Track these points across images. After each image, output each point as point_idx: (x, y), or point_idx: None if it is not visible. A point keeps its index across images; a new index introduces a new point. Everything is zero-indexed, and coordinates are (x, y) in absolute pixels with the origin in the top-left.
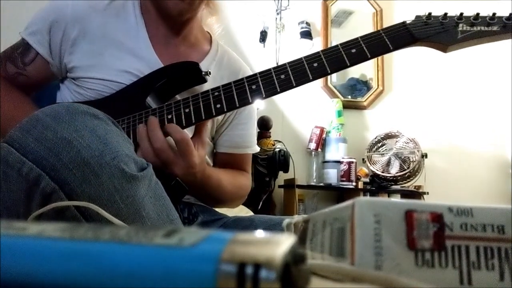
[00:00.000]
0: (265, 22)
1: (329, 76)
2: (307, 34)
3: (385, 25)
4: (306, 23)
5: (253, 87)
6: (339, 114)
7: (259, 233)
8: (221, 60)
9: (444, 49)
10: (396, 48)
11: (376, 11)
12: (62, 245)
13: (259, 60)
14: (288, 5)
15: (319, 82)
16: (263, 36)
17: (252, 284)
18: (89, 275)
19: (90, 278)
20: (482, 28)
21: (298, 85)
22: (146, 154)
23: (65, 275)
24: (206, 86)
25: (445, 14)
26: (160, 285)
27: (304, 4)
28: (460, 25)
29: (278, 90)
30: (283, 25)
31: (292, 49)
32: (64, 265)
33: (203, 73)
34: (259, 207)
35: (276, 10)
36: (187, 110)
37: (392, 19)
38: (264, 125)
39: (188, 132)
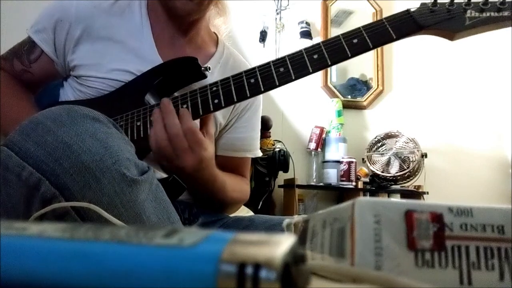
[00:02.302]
0: (265, 22)
1: (329, 76)
2: (307, 34)
3: None
4: (306, 23)
5: (252, 81)
6: (339, 114)
7: (259, 233)
8: (226, 63)
9: (452, 37)
10: (400, 37)
11: (376, 11)
12: (62, 245)
13: (259, 60)
14: (288, 5)
15: (319, 81)
16: (263, 36)
17: (252, 284)
18: (89, 275)
19: (90, 278)
20: (492, 14)
21: (297, 78)
22: (159, 137)
23: (65, 275)
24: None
25: (452, 0)
26: (160, 285)
27: (304, 4)
28: (468, 11)
29: (277, 84)
30: (283, 25)
31: (292, 49)
32: (64, 265)
33: (202, 68)
34: (259, 207)
35: (276, 10)
36: (184, 106)
37: None
38: (264, 125)
39: None
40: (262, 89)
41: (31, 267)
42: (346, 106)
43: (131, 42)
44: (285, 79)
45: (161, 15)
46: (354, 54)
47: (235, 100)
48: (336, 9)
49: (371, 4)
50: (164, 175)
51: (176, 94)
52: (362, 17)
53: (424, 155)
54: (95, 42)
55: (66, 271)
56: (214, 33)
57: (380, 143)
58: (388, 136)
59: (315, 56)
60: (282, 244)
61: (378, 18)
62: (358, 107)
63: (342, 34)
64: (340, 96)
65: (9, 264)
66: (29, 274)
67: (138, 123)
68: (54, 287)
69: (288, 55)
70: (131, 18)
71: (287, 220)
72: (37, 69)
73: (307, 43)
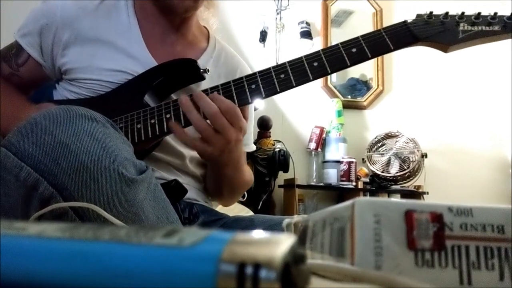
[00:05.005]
0: (265, 22)
1: (329, 76)
2: (307, 34)
3: (385, 25)
4: (306, 23)
5: (253, 86)
6: (339, 114)
7: (259, 233)
8: (218, 57)
9: (445, 49)
10: (397, 48)
11: (376, 11)
12: (62, 245)
13: (259, 60)
14: (288, 5)
15: (319, 82)
16: (263, 36)
17: (252, 284)
18: (89, 275)
19: (90, 278)
20: (483, 27)
21: (298, 85)
22: (198, 123)
23: (65, 275)
24: (203, 84)
25: (446, 13)
26: (160, 285)
27: (304, 4)
28: (461, 24)
29: (278, 90)
30: (283, 25)
31: (292, 49)
32: (64, 265)
33: (201, 70)
34: (259, 207)
35: (276, 10)
36: None
37: (392, 19)
38: (264, 125)
39: (186, 131)
40: (263, 95)
41: (31, 267)
42: (346, 106)
43: (120, 42)
44: (286, 86)
45: (150, 13)
46: (353, 63)
47: (237, 105)
48: (336, 9)
49: (371, 4)
50: (168, 178)
51: (173, 96)
52: (362, 17)
53: (424, 155)
54: (84, 45)
55: (66, 271)
56: (205, 27)
57: (380, 143)
58: (388, 136)
59: (315, 64)
60: (282, 244)
61: (378, 18)
62: (358, 107)
63: (341, 43)
64: (340, 96)
65: (9, 264)
66: (29, 274)
67: (139, 126)
68: (54, 287)
69: (289, 62)
70: (117, 18)
71: (287, 220)
72: (25, 73)
73: (307, 43)
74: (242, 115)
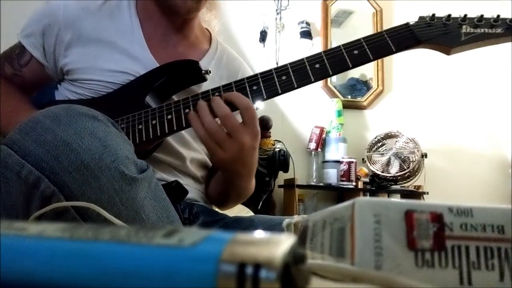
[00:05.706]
0: (265, 22)
1: None
2: (307, 34)
3: (385, 25)
4: (306, 23)
5: (254, 88)
6: (339, 114)
7: (259, 233)
8: (220, 59)
9: (448, 52)
10: (399, 50)
11: (376, 11)
12: (62, 245)
13: (259, 60)
14: (288, 5)
15: (319, 82)
16: (263, 36)
17: (252, 284)
18: (89, 275)
19: (90, 278)
20: (486, 30)
21: (299, 86)
22: (210, 125)
23: (65, 275)
24: (204, 85)
25: (449, 15)
26: (160, 285)
27: (304, 4)
28: (464, 27)
29: (279, 92)
30: (283, 25)
31: (292, 49)
32: (64, 265)
33: (203, 71)
34: (259, 207)
35: (276, 10)
36: (187, 111)
37: (392, 19)
38: (264, 125)
39: (187, 132)
40: (265, 97)
41: (31, 267)
42: (346, 106)
43: (122, 43)
44: (287, 88)
45: (152, 14)
46: (355, 65)
47: None
48: (336, 9)
49: (371, 4)
50: (168, 179)
51: (175, 97)
52: (362, 17)
53: (424, 155)
54: (86, 45)
55: (66, 271)
56: (207, 29)
57: (380, 143)
58: (388, 136)
59: (317, 66)
60: (282, 244)
61: (378, 18)
62: (358, 107)
63: (343, 45)
64: (340, 96)
65: (9, 264)
66: (29, 274)
67: (140, 126)
68: (54, 287)
69: (290, 64)
70: (120, 18)
71: (287, 220)
72: (28, 73)
73: (307, 43)
74: (256, 116)
